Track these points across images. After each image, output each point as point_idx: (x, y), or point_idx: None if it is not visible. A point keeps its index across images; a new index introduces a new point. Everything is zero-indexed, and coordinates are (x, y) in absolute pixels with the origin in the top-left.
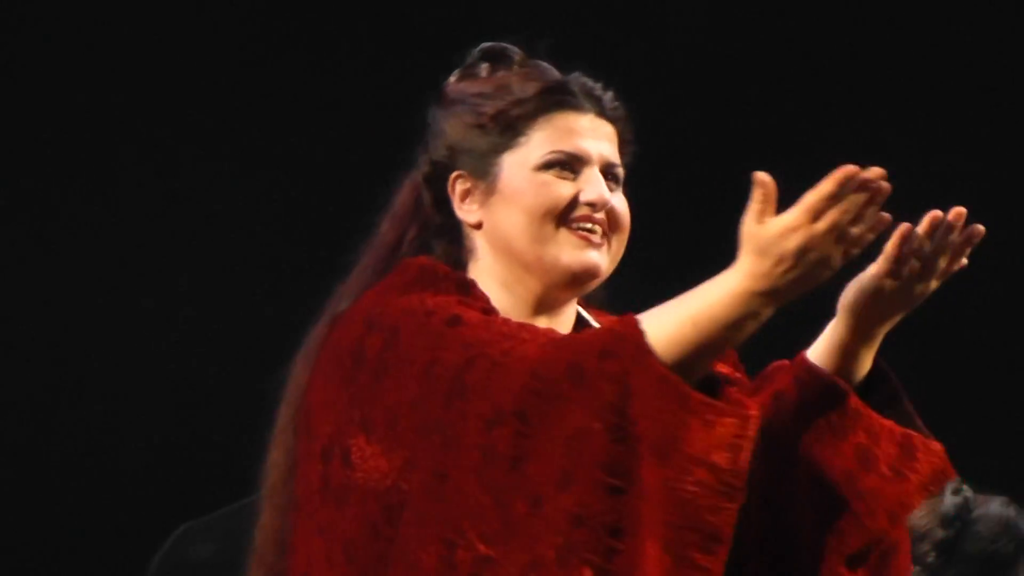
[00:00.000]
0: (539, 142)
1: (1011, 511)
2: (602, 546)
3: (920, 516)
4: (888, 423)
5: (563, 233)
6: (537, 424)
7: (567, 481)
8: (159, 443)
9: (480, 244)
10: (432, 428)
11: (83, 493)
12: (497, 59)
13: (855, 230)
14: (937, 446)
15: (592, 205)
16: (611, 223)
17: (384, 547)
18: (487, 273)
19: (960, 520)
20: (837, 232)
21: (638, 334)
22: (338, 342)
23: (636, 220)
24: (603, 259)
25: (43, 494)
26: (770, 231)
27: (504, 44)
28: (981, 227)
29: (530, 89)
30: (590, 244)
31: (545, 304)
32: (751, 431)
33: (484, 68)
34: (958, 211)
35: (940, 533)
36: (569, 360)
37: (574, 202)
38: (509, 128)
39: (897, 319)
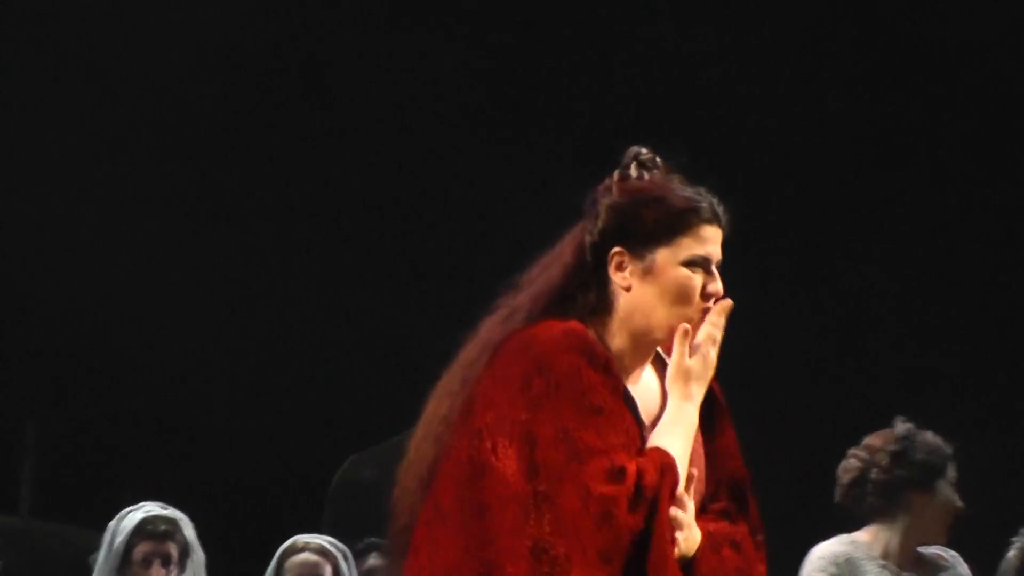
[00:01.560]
0: (686, 245)
1: (940, 439)
2: None
3: (877, 436)
4: None
5: (689, 312)
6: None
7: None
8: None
9: (623, 303)
10: (540, 474)
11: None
12: (644, 166)
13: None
14: None
15: (714, 294)
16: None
17: (488, 516)
18: (623, 324)
19: (907, 439)
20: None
21: (673, 482)
22: (509, 366)
23: None
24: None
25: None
26: (694, 364)
27: (646, 152)
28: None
29: (682, 204)
30: (703, 320)
31: (648, 352)
32: None
33: (635, 170)
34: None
35: (893, 446)
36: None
37: (703, 290)
38: (668, 230)
39: None
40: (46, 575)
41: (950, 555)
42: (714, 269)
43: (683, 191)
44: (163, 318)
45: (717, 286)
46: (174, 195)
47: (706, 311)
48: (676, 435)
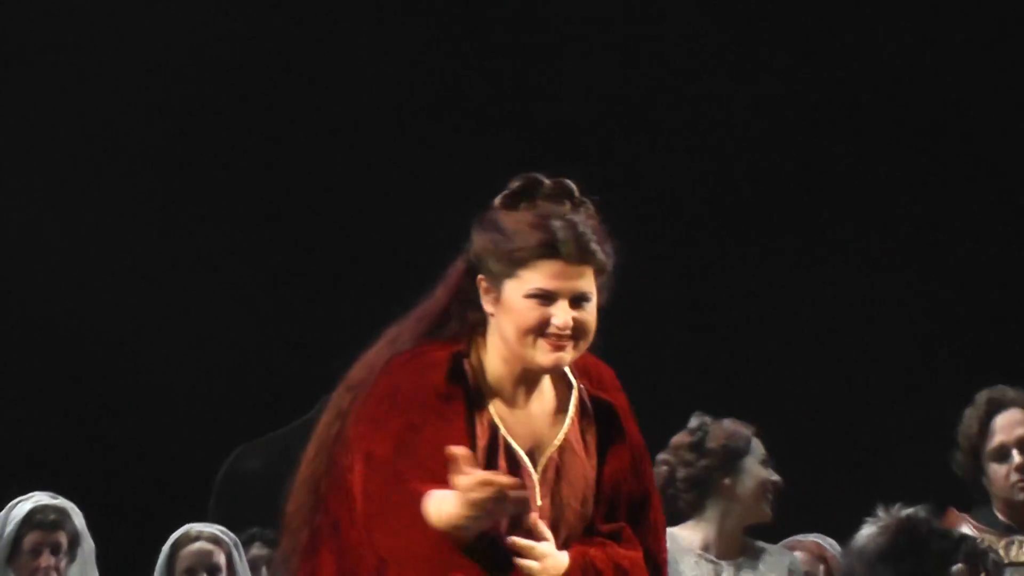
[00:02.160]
0: (528, 279)
1: (738, 422)
2: None
3: (677, 436)
4: None
5: (539, 342)
6: None
7: None
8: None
9: (492, 327)
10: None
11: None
12: (523, 195)
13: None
14: None
15: (558, 327)
16: (575, 333)
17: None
18: (494, 347)
19: (701, 429)
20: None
21: None
22: (375, 387)
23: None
24: (568, 356)
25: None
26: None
27: (526, 180)
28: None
29: (532, 240)
30: (557, 349)
31: (527, 376)
32: None
33: (512, 199)
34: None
35: (689, 439)
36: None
37: (546, 323)
38: (513, 264)
39: None
40: None
41: (828, 543)
42: (564, 304)
43: (538, 224)
44: (50, 297)
45: (563, 319)
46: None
47: (556, 342)
48: None
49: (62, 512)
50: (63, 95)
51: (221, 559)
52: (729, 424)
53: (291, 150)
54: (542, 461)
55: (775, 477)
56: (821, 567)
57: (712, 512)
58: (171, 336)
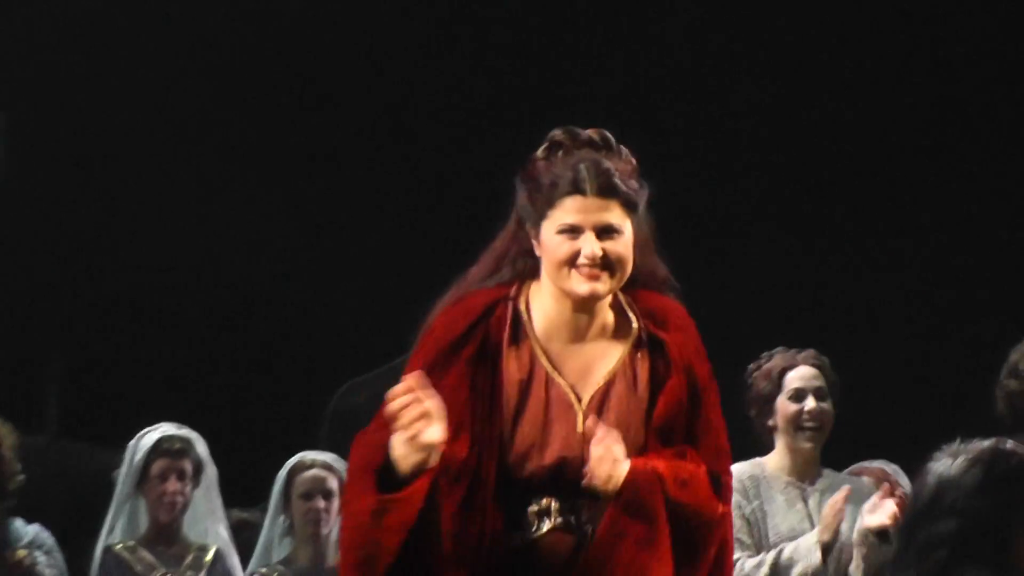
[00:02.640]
0: (558, 216)
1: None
2: None
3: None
4: None
5: (573, 273)
6: None
7: None
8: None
9: (542, 268)
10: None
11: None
12: (559, 145)
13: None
14: None
15: (587, 256)
16: (606, 263)
17: None
18: (545, 288)
19: (750, 373)
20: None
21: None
22: (423, 331)
23: None
24: (603, 286)
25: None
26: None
27: (564, 132)
28: None
29: (559, 180)
30: (591, 279)
31: (574, 307)
32: None
33: (544, 152)
34: None
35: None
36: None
37: (576, 254)
38: (546, 205)
39: None
40: (69, 490)
41: (892, 468)
42: (590, 235)
43: (556, 168)
44: (179, 247)
45: (590, 248)
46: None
47: (587, 271)
48: None
49: (187, 441)
50: None
51: (334, 484)
52: (766, 365)
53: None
54: (589, 392)
55: (809, 406)
56: None
57: (781, 443)
58: (287, 284)
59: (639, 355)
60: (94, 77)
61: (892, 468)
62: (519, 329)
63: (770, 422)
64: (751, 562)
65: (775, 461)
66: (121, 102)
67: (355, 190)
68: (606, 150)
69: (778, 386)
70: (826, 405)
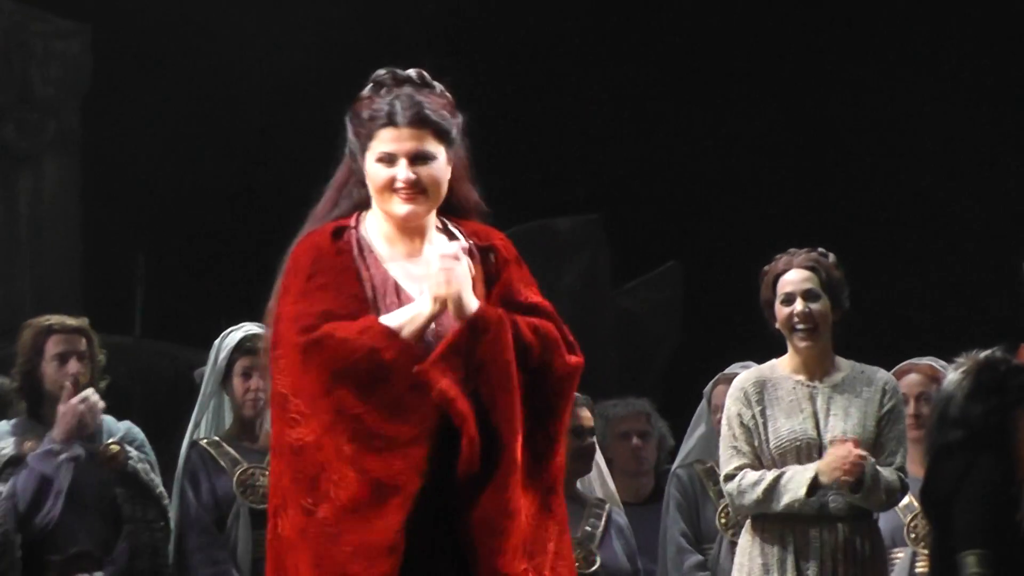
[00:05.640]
0: (375, 147)
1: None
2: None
3: None
4: None
5: (393, 197)
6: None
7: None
8: None
9: (371, 194)
10: (277, 345)
11: None
12: (378, 85)
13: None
14: None
15: (402, 181)
16: (421, 186)
17: None
18: (377, 214)
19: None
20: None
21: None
22: (282, 268)
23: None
24: (421, 207)
25: None
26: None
27: (386, 72)
28: None
29: (375, 114)
30: (409, 200)
31: (401, 228)
32: None
33: (370, 89)
34: None
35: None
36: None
37: (393, 180)
38: (366, 139)
39: None
40: (154, 387)
41: (940, 364)
42: (403, 162)
43: (376, 104)
44: (262, 152)
45: (403, 175)
46: None
47: (404, 194)
48: (396, 317)
49: None
50: None
51: None
52: (767, 270)
53: None
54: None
55: (797, 308)
56: (934, 387)
57: (789, 345)
58: None
59: (471, 265)
60: None
61: (940, 364)
62: (364, 252)
63: (776, 325)
64: (752, 476)
65: (785, 362)
66: (201, 9)
67: None
68: (423, 87)
69: (773, 291)
70: (816, 306)
